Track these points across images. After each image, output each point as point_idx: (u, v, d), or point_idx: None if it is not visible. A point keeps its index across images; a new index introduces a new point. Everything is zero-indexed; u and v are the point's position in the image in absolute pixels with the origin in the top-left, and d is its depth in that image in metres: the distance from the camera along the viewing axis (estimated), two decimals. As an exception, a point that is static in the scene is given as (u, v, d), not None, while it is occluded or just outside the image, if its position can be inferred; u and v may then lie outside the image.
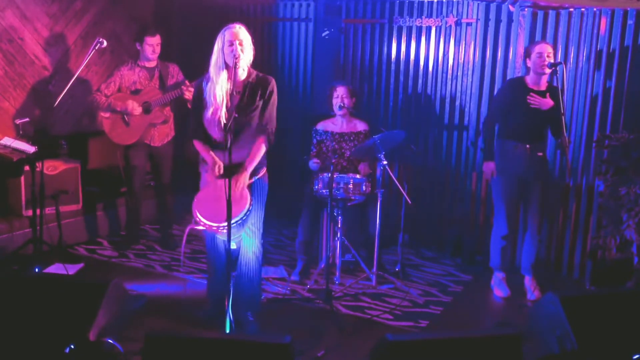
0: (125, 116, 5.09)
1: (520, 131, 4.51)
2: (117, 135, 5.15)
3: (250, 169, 3.74)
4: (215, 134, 3.72)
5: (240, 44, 3.58)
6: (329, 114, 5.05)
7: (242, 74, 3.69)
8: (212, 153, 3.77)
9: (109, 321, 3.07)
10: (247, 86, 3.71)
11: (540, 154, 4.55)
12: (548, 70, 4.36)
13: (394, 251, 5.33)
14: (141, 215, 5.53)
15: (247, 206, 3.60)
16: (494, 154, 4.65)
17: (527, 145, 4.49)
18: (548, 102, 4.37)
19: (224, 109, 3.63)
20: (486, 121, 4.78)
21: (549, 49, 4.39)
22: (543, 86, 4.47)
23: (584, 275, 4.93)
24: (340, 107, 4.88)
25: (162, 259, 5.21)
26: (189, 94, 4.89)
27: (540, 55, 4.37)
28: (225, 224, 3.33)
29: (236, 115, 3.48)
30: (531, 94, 4.40)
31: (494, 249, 4.74)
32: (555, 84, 4.47)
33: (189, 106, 4.91)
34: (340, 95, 4.89)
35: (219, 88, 3.63)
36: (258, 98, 3.73)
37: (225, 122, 3.57)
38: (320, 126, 5.04)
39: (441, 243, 5.65)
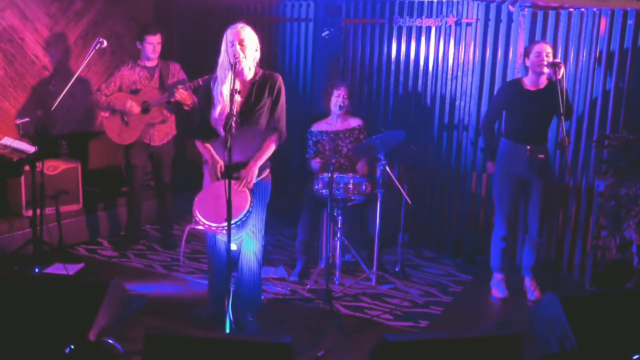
0: (124, 116, 5.09)
1: (519, 133, 4.49)
2: (116, 135, 5.15)
3: (257, 165, 3.72)
4: (222, 132, 3.71)
5: (241, 44, 3.55)
6: (327, 114, 5.06)
7: (249, 73, 3.67)
8: (213, 153, 3.76)
9: (109, 321, 3.07)
10: (253, 85, 3.71)
11: (542, 155, 4.47)
12: (546, 70, 4.34)
13: (394, 251, 5.33)
14: (141, 215, 5.54)
15: (247, 207, 3.57)
16: (495, 153, 4.63)
17: (528, 147, 4.46)
18: None
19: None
20: (484, 122, 4.77)
21: (548, 48, 4.38)
22: (542, 85, 4.45)
23: (584, 275, 4.93)
24: (340, 107, 4.90)
25: (163, 259, 5.21)
26: (179, 95, 4.89)
27: (539, 54, 4.34)
28: (225, 224, 3.33)
29: (236, 117, 3.44)
30: None
31: (494, 251, 4.73)
32: (554, 80, 4.41)
33: (185, 108, 4.94)
34: (341, 95, 4.91)
35: (226, 88, 3.61)
36: (265, 96, 3.72)
37: (225, 121, 3.56)
38: (315, 127, 5.07)
39: (441, 243, 5.65)
